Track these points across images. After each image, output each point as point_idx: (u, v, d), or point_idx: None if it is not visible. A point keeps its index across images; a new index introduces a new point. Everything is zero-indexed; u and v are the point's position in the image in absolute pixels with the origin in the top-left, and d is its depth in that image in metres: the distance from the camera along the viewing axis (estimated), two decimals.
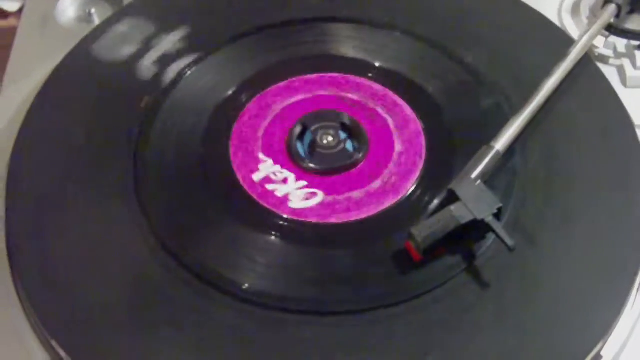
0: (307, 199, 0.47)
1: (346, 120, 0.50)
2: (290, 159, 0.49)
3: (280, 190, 0.47)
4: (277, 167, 0.48)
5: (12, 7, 0.67)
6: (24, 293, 0.43)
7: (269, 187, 0.47)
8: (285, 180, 0.48)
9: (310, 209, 0.46)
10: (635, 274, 0.44)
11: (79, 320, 0.42)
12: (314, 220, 0.46)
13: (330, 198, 0.47)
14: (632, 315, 0.44)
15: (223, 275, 0.43)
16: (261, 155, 0.49)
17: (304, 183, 0.48)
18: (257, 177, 0.48)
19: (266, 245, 0.45)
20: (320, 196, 0.47)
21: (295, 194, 0.47)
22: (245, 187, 0.47)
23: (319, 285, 0.43)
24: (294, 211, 0.46)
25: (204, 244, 0.45)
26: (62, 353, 0.41)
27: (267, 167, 0.48)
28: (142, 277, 0.44)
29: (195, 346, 0.41)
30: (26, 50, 0.57)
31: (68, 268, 0.44)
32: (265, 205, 0.46)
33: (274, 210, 0.46)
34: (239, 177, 0.48)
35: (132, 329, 0.42)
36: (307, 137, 0.50)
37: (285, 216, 0.46)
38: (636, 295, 0.44)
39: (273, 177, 0.48)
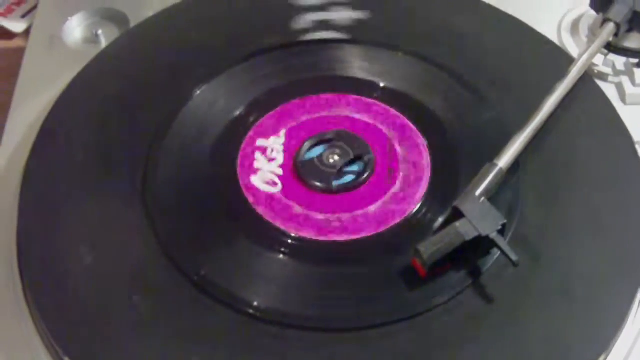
0: (266, 182, 0.49)
1: (365, 158, 0.50)
2: (297, 176, 0.49)
3: (258, 162, 0.50)
4: (281, 147, 0.51)
5: (18, 28, 0.67)
6: (33, 304, 0.44)
7: (257, 155, 0.50)
8: (271, 160, 0.50)
9: (267, 195, 0.48)
10: (637, 288, 0.44)
11: (85, 330, 0.43)
12: (314, 237, 0.47)
13: (333, 216, 0.48)
14: (633, 329, 0.44)
15: (229, 290, 0.44)
16: (282, 131, 0.51)
17: (279, 172, 0.49)
18: (260, 142, 0.50)
19: (272, 262, 0.46)
20: (277, 188, 0.49)
21: (263, 174, 0.49)
22: (295, 232, 0.47)
23: (326, 303, 0.44)
24: (247, 185, 0.48)
25: (211, 260, 0.45)
26: None
27: (274, 141, 0.51)
28: (148, 288, 0.44)
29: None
30: (34, 71, 0.58)
31: (77, 280, 0.45)
32: (333, 239, 0.47)
33: (346, 239, 0.47)
34: (255, 206, 0.48)
35: (137, 340, 0.42)
36: (315, 156, 0.50)
37: (293, 234, 0.47)
38: (638, 310, 0.45)
39: (268, 151, 0.50)
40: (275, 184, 0.49)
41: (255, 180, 0.49)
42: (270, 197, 0.48)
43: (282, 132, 0.52)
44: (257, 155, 0.50)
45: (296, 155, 0.50)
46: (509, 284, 0.44)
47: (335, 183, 0.49)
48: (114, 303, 0.44)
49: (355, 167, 0.50)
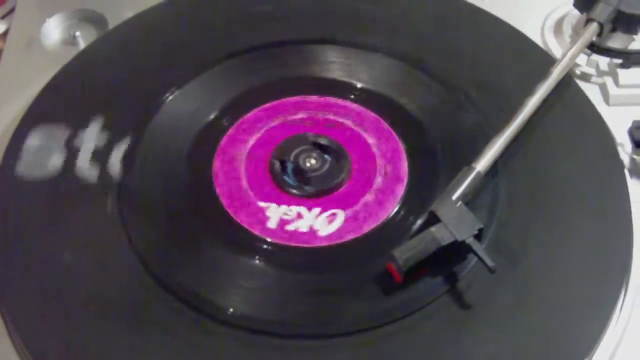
0: (331, 221, 0.47)
1: (326, 142, 0.50)
2: (285, 192, 0.48)
3: (302, 226, 0.47)
4: (284, 207, 0.48)
5: None
6: (5, 311, 0.44)
7: (289, 227, 0.47)
8: (299, 215, 0.48)
9: (341, 229, 0.47)
10: (618, 295, 0.44)
11: (58, 340, 0.42)
12: (286, 242, 0.46)
13: (309, 221, 0.47)
14: (616, 331, 0.44)
15: (207, 298, 0.43)
16: (261, 203, 0.48)
17: (319, 209, 0.48)
18: (272, 223, 0.47)
19: (250, 269, 0.45)
20: (341, 214, 0.47)
21: (318, 222, 0.47)
22: (265, 236, 0.46)
23: (298, 309, 0.44)
24: (330, 237, 0.46)
25: (188, 268, 0.45)
26: None
27: (274, 211, 0.48)
28: (124, 297, 0.44)
29: None
30: (11, 72, 0.57)
31: (49, 286, 0.44)
32: (299, 244, 0.46)
33: (309, 246, 0.46)
34: (229, 209, 0.48)
35: (111, 348, 0.42)
36: (290, 160, 0.50)
37: (268, 240, 0.46)
38: (619, 316, 0.44)
39: (286, 217, 0.47)
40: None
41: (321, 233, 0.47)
42: (247, 203, 0.48)
43: (255, 137, 0.51)
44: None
45: (272, 164, 0.49)
46: (486, 290, 0.43)
47: (309, 187, 0.49)
48: (86, 309, 0.43)
49: (330, 166, 0.50)
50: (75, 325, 0.43)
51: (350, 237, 0.46)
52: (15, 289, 0.44)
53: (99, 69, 0.55)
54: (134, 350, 0.42)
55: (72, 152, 0.50)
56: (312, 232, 0.47)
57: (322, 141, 0.50)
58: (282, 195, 0.48)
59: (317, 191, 0.48)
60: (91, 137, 0.51)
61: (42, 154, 0.50)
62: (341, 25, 0.57)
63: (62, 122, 0.51)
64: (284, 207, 0.48)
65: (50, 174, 0.49)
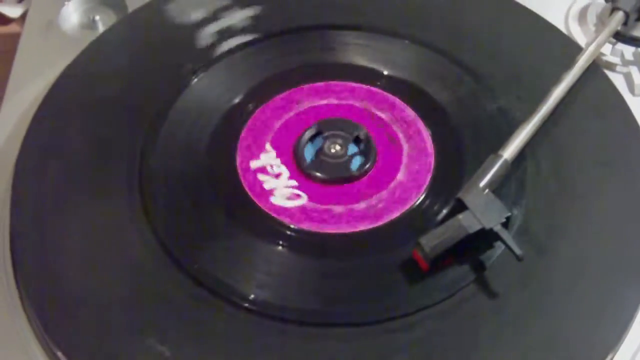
0: (289, 198, 0.47)
1: (361, 135, 0.50)
2: (294, 160, 0.48)
3: (268, 183, 0.47)
4: (277, 161, 0.48)
5: (14, 13, 0.66)
6: (26, 298, 0.43)
7: (261, 177, 0.48)
8: (277, 175, 0.48)
9: (290, 210, 0.46)
10: None
11: (81, 327, 0.42)
12: (311, 228, 0.46)
13: (334, 207, 0.47)
14: None
15: (226, 283, 0.43)
16: (267, 145, 0.49)
17: (294, 183, 0.48)
18: (254, 164, 0.48)
19: (269, 254, 0.45)
20: (303, 199, 0.47)
21: (281, 191, 0.47)
22: (239, 172, 0.48)
23: (324, 297, 0.43)
24: (273, 207, 0.46)
25: (207, 251, 0.45)
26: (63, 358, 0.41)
27: (267, 158, 0.49)
28: (146, 284, 0.43)
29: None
30: (29, 57, 0.57)
31: (70, 274, 0.44)
32: (249, 194, 0.47)
33: (254, 200, 0.46)
34: (239, 168, 0.48)
35: (135, 336, 0.41)
36: (316, 144, 0.49)
37: (294, 226, 0.46)
38: None
39: (269, 168, 0.48)
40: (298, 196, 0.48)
41: (276, 199, 0.47)
42: (262, 170, 0.48)
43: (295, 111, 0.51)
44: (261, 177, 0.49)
45: (296, 150, 0.49)
46: (513, 280, 0.43)
47: (334, 174, 0.48)
48: (109, 297, 0.43)
49: (355, 163, 0.49)
50: (97, 313, 0.42)
51: (376, 224, 0.46)
52: (38, 284, 0.44)
53: (118, 54, 0.54)
54: (156, 336, 0.41)
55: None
56: (337, 218, 0.46)
57: (347, 127, 0.50)
58: (306, 182, 0.48)
59: (342, 178, 0.48)
60: (112, 125, 0.50)
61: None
62: (367, 11, 0.56)
63: (81, 111, 0.51)
64: (277, 161, 0.48)
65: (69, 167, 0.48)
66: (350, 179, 0.48)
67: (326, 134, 0.50)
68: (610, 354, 0.41)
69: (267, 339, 0.41)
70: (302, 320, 0.42)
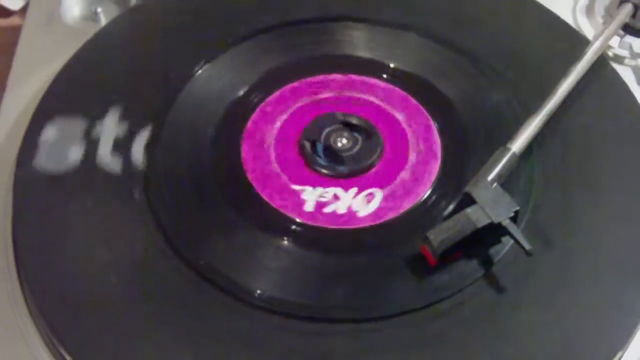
0: (369, 201, 0.46)
1: (360, 122, 0.49)
2: (318, 173, 0.47)
3: (340, 207, 0.46)
4: (320, 189, 0.47)
5: (15, 5, 0.66)
6: (30, 296, 0.43)
7: (327, 210, 0.46)
8: (336, 197, 0.46)
9: (380, 209, 0.46)
10: None
11: (85, 324, 0.41)
12: (317, 224, 0.45)
13: (340, 202, 0.46)
14: None
15: (232, 278, 0.42)
16: (295, 187, 0.47)
17: (355, 189, 0.47)
18: (309, 206, 0.46)
19: (279, 250, 0.44)
20: (379, 193, 0.46)
21: (357, 203, 0.46)
22: (244, 166, 0.47)
23: (332, 293, 0.43)
24: (374, 216, 0.45)
25: (213, 246, 0.44)
26: (67, 356, 0.40)
27: (309, 194, 0.47)
28: (151, 279, 0.43)
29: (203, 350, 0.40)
30: (31, 49, 0.56)
31: (74, 271, 0.43)
32: (255, 188, 0.46)
33: (260, 194, 0.46)
34: (262, 193, 0.47)
35: (139, 333, 0.41)
36: (321, 139, 0.49)
37: (298, 220, 0.45)
38: None
39: (323, 199, 0.46)
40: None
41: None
42: (279, 185, 0.47)
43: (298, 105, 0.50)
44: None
45: (303, 145, 0.48)
46: (521, 275, 0.43)
47: (342, 168, 0.47)
48: (113, 293, 0.42)
49: (362, 145, 0.48)
50: (104, 310, 0.42)
51: (389, 216, 0.45)
52: (41, 281, 0.43)
53: (121, 46, 0.54)
54: (161, 332, 0.41)
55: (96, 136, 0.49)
56: (350, 213, 0.45)
57: (353, 120, 0.49)
58: (315, 177, 0.47)
59: (351, 171, 0.47)
60: (114, 120, 0.50)
61: (62, 144, 0.48)
62: (372, 3, 0.56)
63: (83, 105, 0.50)
64: (319, 190, 0.47)
65: (73, 163, 0.48)
66: (357, 172, 0.47)
67: (328, 128, 0.49)
68: (620, 352, 0.41)
69: (273, 335, 0.41)
70: (307, 316, 0.41)
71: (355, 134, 0.49)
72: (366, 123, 0.49)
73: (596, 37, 0.52)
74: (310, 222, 0.45)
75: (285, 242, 0.44)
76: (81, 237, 0.44)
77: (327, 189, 0.47)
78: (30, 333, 0.43)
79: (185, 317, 0.41)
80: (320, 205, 0.46)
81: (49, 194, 0.46)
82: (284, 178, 0.47)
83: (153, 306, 0.42)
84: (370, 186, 0.47)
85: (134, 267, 0.43)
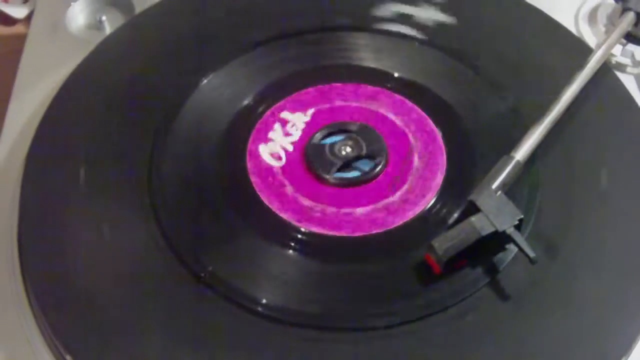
0: (370, 210, 0.46)
1: (359, 129, 0.49)
2: (322, 182, 0.48)
3: (341, 215, 0.46)
4: (322, 196, 0.47)
5: (19, 13, 0.66)
6: (33, 297, 0.43)
7: (328, 217, 0.46)
8: (338, 205, 0.47)
9: (380, 218, 0.46)
10: None
11: (88, 328, 0.41)
12: (322, 231, 0.45)
13: (345, 210, 0.46)
14: None
15: (235, 286, 0.43)
16: (297, 193, 0.47)
17: (357, 199, 0.47)
18: (310, 213, 0.46)
19: (279, 257, 0.44)
20: (380, 203, 0.46)
21: (357, 212, 0.46)
22: (250, 174, 0.47)
23: (335, 300, 0.43)
24: (369, 226, 0.45)
25: (217, 254, 0.44)
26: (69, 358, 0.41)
27: (311, 200, 0.47)
28: (154, 286, 0.43)
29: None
30: (36, 58, 0.56)
31: (79, 275, 0.43)
32: (259, 196, 0.46)
33: (265, 202, 0.46)
34: (266, 201, 0.47)
35: (140, 336, 0.41)
36: (326, 147, 0.49)
37: (302, 229, 0.45)
38: None
39: (325, 207, 0.47)
40: (280, 158, 0.48)
41: (263, 151, 0.48)
42: (283, 193, 0.47)
43: (310, 112, 0.51)
44: (276, 125, 0.49)
45: (309, 140, 0.49)
46: (526, 283, 0.43)
47: (347, 176, 0.48)
48: (116, 297, 0.42)
49: (365, 165, 0.49)
50: (104, 314, 0.42)
51: (394, 224, 0.45)
52: (44, 282, 0.43)
53: (126, 55, 0.54)
54: (162, 337, 0.41)
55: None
56: (350, 221, 0.46)
57: (357, 129, 0.49)
58: (317, 185, 0.47)
59: (356, 180, 0.47)
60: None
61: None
62: (374, 13, 0.56)
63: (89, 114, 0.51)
64: (320, 196, 0.47)
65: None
66: (362, 181, 0.47)
67: (334, 137, 0.49)
68: (624, 358, 0.41)
69: (274, 341, 0.41)
70: (311, 324, 0.41)
71: (360, 143, 0.49)
72: (371, 132, 0.49)
73: (599, 46, 0.52)
74: (314, 230, 0.45)
75: (288, 250, 0.45)
76: (86, 242, 0.45)
77: (330, 196, 0.47)
78: (32, 333, 0.43)
79: (186, 322, 0.42)
80: (322, 212, 0.46)
81: (55, 200, 0.46)
82: (289, 186, 0.47)
83: (154, 309, 0.42)
84: (376, 194, 0.47)
85: (136, 272, 0.44)
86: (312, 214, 0.46)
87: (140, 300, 0.42)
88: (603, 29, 0.58)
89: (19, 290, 0.44)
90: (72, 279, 0.43)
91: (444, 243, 0.42)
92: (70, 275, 0.43)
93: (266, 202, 0.46)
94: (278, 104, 0.51)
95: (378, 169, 0.48)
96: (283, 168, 0.48)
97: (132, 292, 0.43)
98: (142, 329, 0.41)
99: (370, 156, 0.49)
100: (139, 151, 0.48)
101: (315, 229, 0.45)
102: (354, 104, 0.51)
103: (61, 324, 0.41)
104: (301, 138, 0.50)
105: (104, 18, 0.59)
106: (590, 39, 0.57)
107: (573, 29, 0.58)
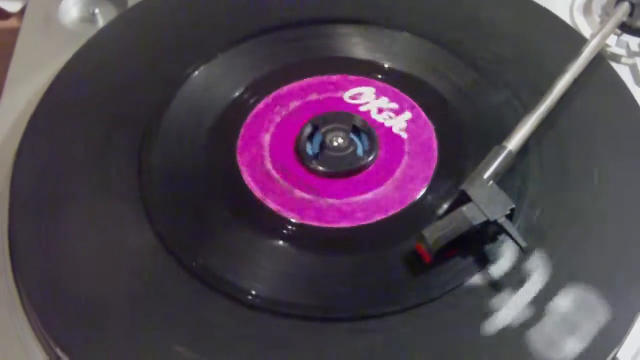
0: (361, 201, 0.46)
1: (358, 122, 0.49)
2: (312, 172, 0.47)
3: (331, 206, 0.46)
4: (312, 187, 0.47)
5: (13, 7, 0.66)
6: (25, 294, 0.43)
7: (319, 207, 0.46)
8: (328, 195, 0.47)
9: (371, 209, 0.45)
10: None
11: (80, 324, 0.41)
12: (312, 223, 0.45)
13: (336, 201, 0.46)
14: None
15: (228, 279, 0.42)
16: (288, 185, 0.47)
17: (347, 189, 0.47)
18: (301, 204, 0.46)
19: (271, 250, 0.44)
20: (370, 194, 0.46)
21: (347, 203, 0.46)
22: (240, 167, 0.47)
23: (327, 292, 0.43)
24: (359, 217, 0.45)
25: (209, 248, 0.44)
26: (61, 354, 0.40)
27: (302, 192, 0.47)
28: (146, 280, 0.43)
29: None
30: (28, 51, 0.56)
31: (70, 270, 0.43)
32: (250, 189, 0.46)
33: (256, 195, 0.46)
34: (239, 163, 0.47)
35: (134, 333, 0.41)
36: (317, 138, 0.49)
37: (293, 220, 0.45)
38: None
39: (315, 197, 0.46)
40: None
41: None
42: (273, 184, 0.47)
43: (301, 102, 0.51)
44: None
45: (298, 140, 0.49)
46: (517, 272, 0.42)
47: (338, 167, 0.47)
48: (109, 294, 0.42)
49: (358, 144, 0.49)
50: (96, 311, 0.42)
51: (379, 217, 0.45)
52: (37, 280, 0.43)
53: (119, 48, 0.54)
54: (156, 334, 0.41)
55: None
56: (340, 211, 0.45)
57: (348, 120, 0.49)
58: (308, 176, 0.47)
59: (344, 171, 0.47)
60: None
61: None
62: (365, 4, 0.56)
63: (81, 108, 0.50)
64: (311, 188, 0.47)
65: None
66: (353, 172, 0.47)
67: (324, 128, 0.49)
68: (615, 349, 0.41)
69: (271, 335, 0.41)
70: (306, 315, 0.41)
71: (351, 134, 0.49)
72: (362, 122, 0.49)
73: (593, 36, 0.52)
74: (305, 222, 0.45)
75: (281, 243, 0.44)
76: (77, 238, 0.44)
77: (319, 188, 0.47)
78: (25, 332, 0.43)
79: (182, 318, 0.41)
80: (311, 203, 0.46)
81: (45, 195, 0.46)
82: (280, 179, 0.47)
83: (149, 306, 0.42)
84: (366, 185, 0.47)
85: (130, 269, 0.43)
86: (303, 206, 0.46)
87: (132, 294, 0.42)
88: (598, 20, 0.57)
89: (10, 288, 0.44)
90: (63, 275, 0.43)
91: (435, 233, 0.42)
92: (61, 272, 0.43)
93: (257, 194, 0.46)
94: (270, 96, 0.51)
95: (369, 159, 0.48)
96: (274, 160, 0.48)
97: (123, 287, 0.43)
98: (134, 324, 0.41)
99: (361, 146, 0.48)
100: (130, 144, 0.48)
101: (306, 221, 0.45)
102: (344, 95, 0.51)
103: (52, 321, 0.41)
104: (292, 129, 0.49)
105: (97, 11, 0.59)
106: (586, 30, 0.57)
107: (568, 20, 0.57)
